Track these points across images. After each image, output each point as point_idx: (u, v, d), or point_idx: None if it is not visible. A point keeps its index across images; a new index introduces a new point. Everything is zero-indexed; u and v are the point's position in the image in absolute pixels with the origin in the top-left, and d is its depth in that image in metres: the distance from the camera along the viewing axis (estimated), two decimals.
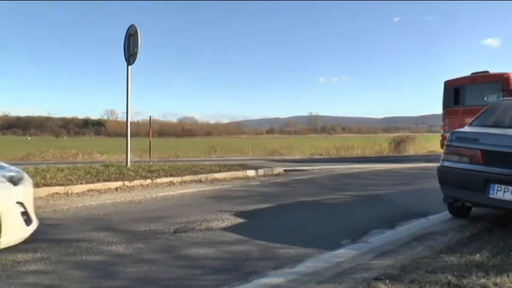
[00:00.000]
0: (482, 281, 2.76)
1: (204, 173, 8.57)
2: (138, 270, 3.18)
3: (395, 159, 16.37)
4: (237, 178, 8.78)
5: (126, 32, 9.22)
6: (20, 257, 3.40)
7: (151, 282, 2.92)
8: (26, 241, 3.86)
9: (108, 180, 7.16)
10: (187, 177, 8.11)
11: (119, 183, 7.09)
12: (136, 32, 8.97)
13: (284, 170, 10.28)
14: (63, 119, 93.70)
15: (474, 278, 2.80)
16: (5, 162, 3.91)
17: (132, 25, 9.14)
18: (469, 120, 6.63)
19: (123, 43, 9.27)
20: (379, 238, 4.11)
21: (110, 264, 3.31)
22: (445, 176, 4.59)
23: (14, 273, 3.05)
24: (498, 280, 2.76)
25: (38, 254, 3.50)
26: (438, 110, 14.65)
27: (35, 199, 5.85)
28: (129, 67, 9.09)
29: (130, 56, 9.09)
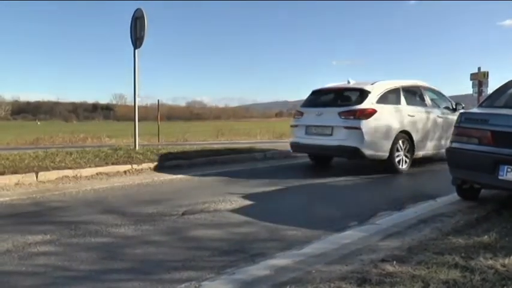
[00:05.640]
0: (490, 262, 2.74)
1: (211, 156, 8.60)
2: (146, 251, 3.21)
3: None
4: (244, 161, 8.79)
5: (133, 16, 9.17)
6: (31, 238, 3.45)
7: (159, 264, 2.95)
8: (34, 223, 3.95)
9: (116, 164, 7.19)
10: (194, 160, 8.14)
11: (127, 167, 7.13)
12: (142, 16, 8.92)
13: (293, 152, 10.25)
14: (73, 104, 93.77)
15: (482, 259, 2.79)
16: None
17: (138, 9, 9.09)
18: None
19: (129, 27, 9.24)
20: (387, 220, 4.09)
21: (118, 246, 3.34)
22: (453, 157, 4.54)
23: (26, 254, 3.10)
24: (506, 261, 2.74)
25: (48, 236, 3.54)
26: (450, 92, 14.53)
27: (45, 182, 5.95)
28: (136, 51, 9.06)
29: (137, 39, 9.05)
